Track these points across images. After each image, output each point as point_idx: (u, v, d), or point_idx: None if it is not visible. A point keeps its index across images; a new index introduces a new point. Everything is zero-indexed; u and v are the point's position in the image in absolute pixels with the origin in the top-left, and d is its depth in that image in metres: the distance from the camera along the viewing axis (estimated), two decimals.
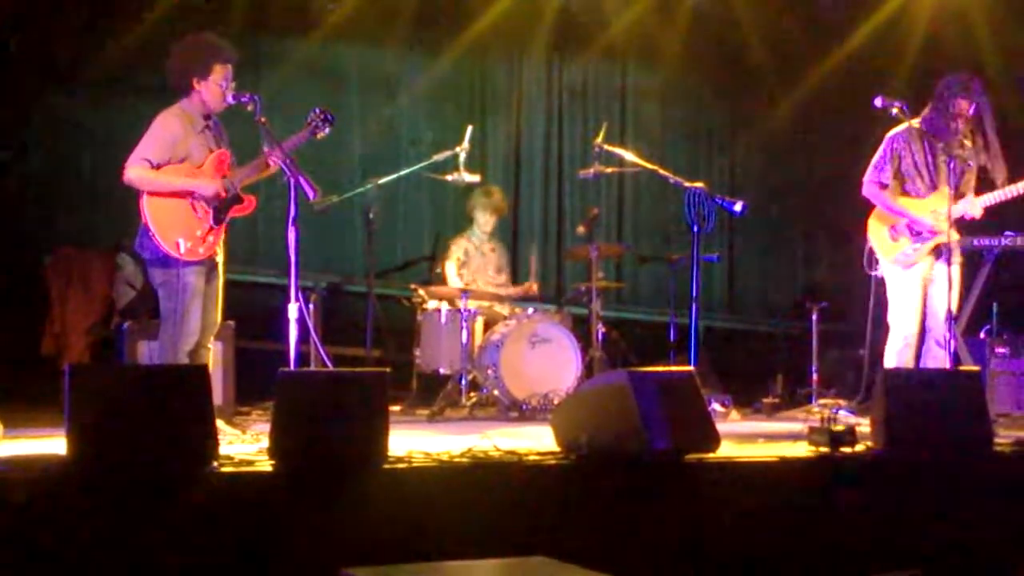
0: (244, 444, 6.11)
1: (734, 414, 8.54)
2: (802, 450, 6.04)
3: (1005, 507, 5.81)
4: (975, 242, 8.77)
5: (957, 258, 7.33)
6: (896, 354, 7.37)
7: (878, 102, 7.31)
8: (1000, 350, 8.51)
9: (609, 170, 8.61)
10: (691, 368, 7.06)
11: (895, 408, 5.99)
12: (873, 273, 7.58)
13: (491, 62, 10.98)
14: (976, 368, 7.21)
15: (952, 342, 6.97)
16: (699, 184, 7.55)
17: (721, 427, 5.97)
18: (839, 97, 11.22)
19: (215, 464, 5.06)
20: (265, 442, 5.38)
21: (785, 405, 9.01)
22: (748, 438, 6.70)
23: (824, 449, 5.94)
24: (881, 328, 7.59)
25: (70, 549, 4.58)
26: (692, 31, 11.00)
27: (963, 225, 7.39)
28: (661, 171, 7.87)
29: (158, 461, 4.87)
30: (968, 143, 7.32)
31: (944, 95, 7.26)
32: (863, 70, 10.80)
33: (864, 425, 6.56)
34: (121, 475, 4.77)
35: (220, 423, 5.77)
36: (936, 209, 7.27)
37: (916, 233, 7.35)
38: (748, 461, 5.82)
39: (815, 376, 9.09)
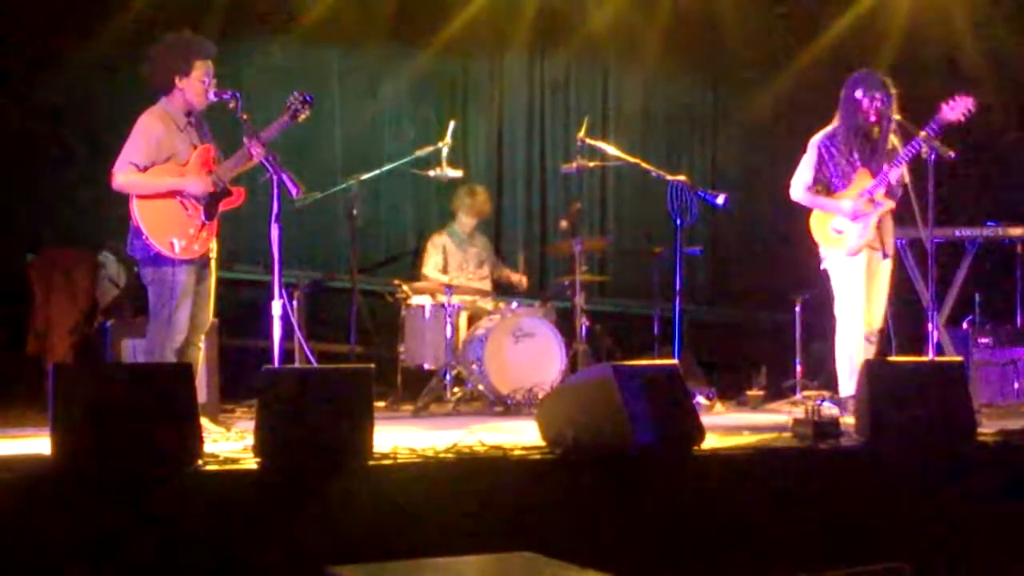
0: (229, 442, 6.10)
1: (718, 407, 8.55)
2: (787, 442, 6.06)
3: (989, 497, 5.83)
4: (956, 232, 8.84)
5: (892, 253, 7.61)
6: (850, 343, 7.51)
7: (859, 94, 7.37)
8: (983, 340, 8.54)
9: (592, 164, 8.63)
10: (675, 361, 7.07)
11: (879, 399, 6.01)
12: (822, 268, 7.75)
13: (472, 57, 10.95)
14: (959, 359, 7.23)
15: (935, 333, 7.01)
16: (681, 177, 7.57)
17: (705, 420, 5.99)
18: (820, 89, 11.23)
19: (200, 462, 5.07)
20: (250, 440, 5.38)
21: (769, 397, 9.03)
22: (733, 430, 6.70)
23: (809, 441, 5.97)
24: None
25: (55, 549, 4.57)
26: (673, 25, 11.01)
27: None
28: (643, 164, 7.89)
29: (143, 460, 4.87)
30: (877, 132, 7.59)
31: (848, 89, 7.58)
32: (843, 62, 10.81)
33: (848, 416, 6.59)
34: (106, 474, 4.77)
35: (205, 421, 5.76)
36: (860, 188, 7.51)
37: (862, 216, 7.51)
38: (733, 453, 5.84)
39: (799, 368, 9.11)
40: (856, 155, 7.55)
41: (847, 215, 7.51)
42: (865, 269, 7.54)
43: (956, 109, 7.13)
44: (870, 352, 7.46)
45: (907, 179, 7.40)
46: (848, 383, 7.49)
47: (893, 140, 7.52)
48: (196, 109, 6.65)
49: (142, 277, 6.62)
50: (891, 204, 7.46)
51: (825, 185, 7.69)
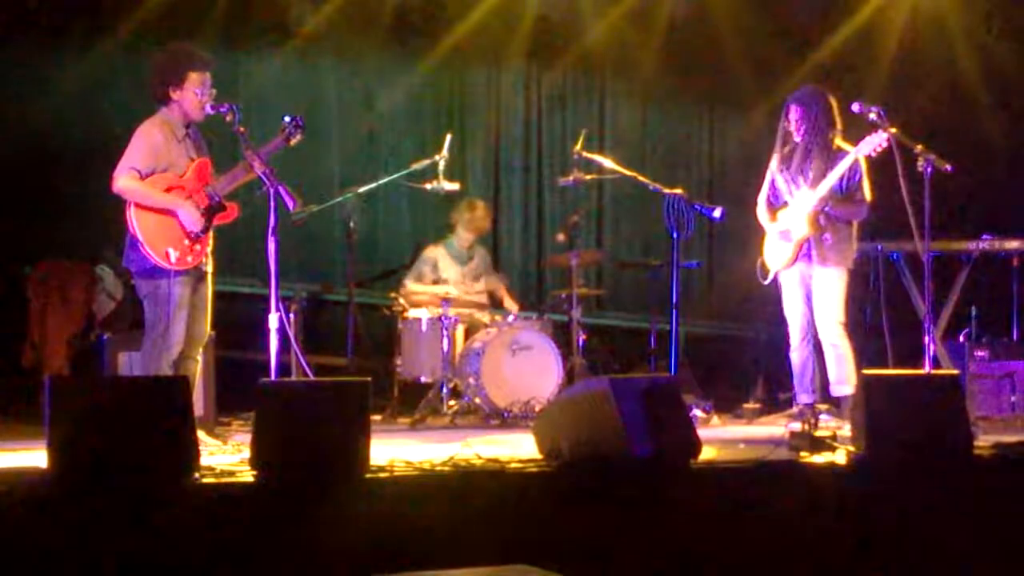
0: (225, 455, 6.11)
1: (715, 419, 8.55)
2: (783, 455, 6.06)
3: (984, 510, 5.83)
4: (953, 246, 8.83)
5: (839, 261, 7.67)
6: (792, 354, 7.89)
7: (855, 108, 7.40)
8: (979, 353, 8.53)
9: (588, 177, 8.64)
10: (672, 374, 7.08)
11: (875, 412, 6.01)
12: (765, 282, 7.93)
13: (469, 70, 10.97)
14: (955, 371, 7.24)
15: (931, 346, 7.02)
16: (678, 190, 7.58)
17: (702, 433, 5.99)
18: None
19: (196, 475, 5.06)
20: (246, 453, 5.38)
21: (766, 410, 9.01)
22: (729, 443, 6.72)
23: (805, 454, 5.98)
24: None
25: (51, 562, 4.57)
26: (669, 38, 11.02)
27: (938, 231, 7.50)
28: (640, 178, 7.90)
29: (139, 473, 4.87)
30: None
31: (785, 108, 7.78)
32: (839, 76, 10.84)
33: (845, 429, 6.59)
34: (102, 487, 4.77)
35: (201, 434, 5.76)
36: (795, 209, 7.68)
37: (785, 236, 7.74)
38: (729, 466, 5.84)
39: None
40: (800, 174, 7.65)
41: (776, 235, 7.77)
42: (800, 282, 7.76)
43: (871, 144, 7.22)
44: (832, 360, 7.58)
45: (869, 195, 7.52)
46: (801, 394, 7.86)
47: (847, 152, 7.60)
48: (193, 121, 6.66)
49: (137, 290, 6.63)
50: (807, 231, 7.59)
51: (778, 202, 7.83)
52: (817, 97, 7.60)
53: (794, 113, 7.65)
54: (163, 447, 4.99)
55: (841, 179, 7.50)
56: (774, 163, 7.83)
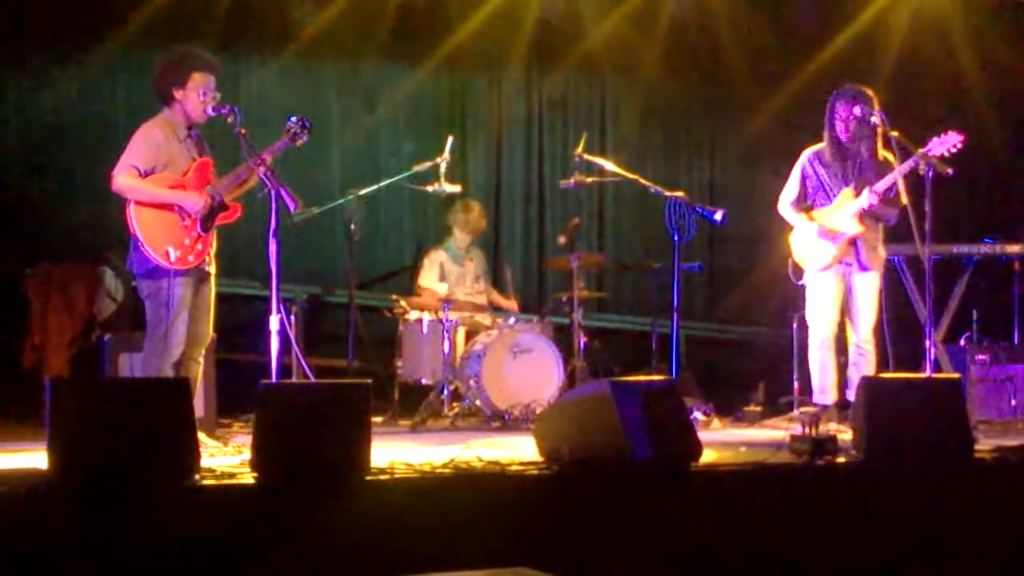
0: (226, 457, 6.10)
1: (716, 423, 8.54)
2: (784, 458, 6.06)
3: (985, 514, 5.83)
4: (954, 249, 8.84)
5: (878, 266, 7.68)
6: (814, 354, 7.80)
7: (857, 111, 7.40)
8: (980, 357, 8.53)
9: (589, 180, 8.62)
10: (673, 377, 7.08)
11: (876, 416, 6.01)
12: (800, 283, 7.91)
13: (470, 73, 10.96)
14: (956, 375, 7.24)
15: (932, 349, 7.02)
16: (679, 193, 7.58)
17: (703, 436, 5.99)
18: (818, 108, 11.23)
19: (197, 477, 5.06)
20: (247, 454, 5.38)
21: (767, 413, 9.01)
22: (730, 447, 6.71)
23: (806, 457, 5.97)
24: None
25: (51, 563, 4.57)
26: (670, 41, 11.01)
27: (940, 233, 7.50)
28: (641, 181, 7.90)
29: (140, 474, 4.87)
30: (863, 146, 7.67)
31: (830, 104, 7.73)
32: (841, 79, 10.83)
33: (846, 433, 6.59)
34: (102, 489, 4.77)
35: (202, 436, 5.75)
36: (840, 208, 7.63)
37: (831, 236, 7.65)
38: (730, 470, 5.84)
39: (796, 384, 9.10)
40: (840, 173, 7.62)
41: (815, 234, 7.65)
42: (837, 284, 7.72)
43: (944, 144, 7.16)
44: (862, 364, 7.58)
45: (904, 200, 7.43)
46: (820, 394, 7.80)
47: (887, 157, 7.56)
48: (196, 122, 6.66)
49: (139, 291, 6.64)
50: (859, 229, 7.52)
51: (807, 201, 7.79)
52: (867, 97, 7.52)
53: (844, 111, 7.60)
54: (164, 449, 4.99)
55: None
56: (808, 159, 7.77)
